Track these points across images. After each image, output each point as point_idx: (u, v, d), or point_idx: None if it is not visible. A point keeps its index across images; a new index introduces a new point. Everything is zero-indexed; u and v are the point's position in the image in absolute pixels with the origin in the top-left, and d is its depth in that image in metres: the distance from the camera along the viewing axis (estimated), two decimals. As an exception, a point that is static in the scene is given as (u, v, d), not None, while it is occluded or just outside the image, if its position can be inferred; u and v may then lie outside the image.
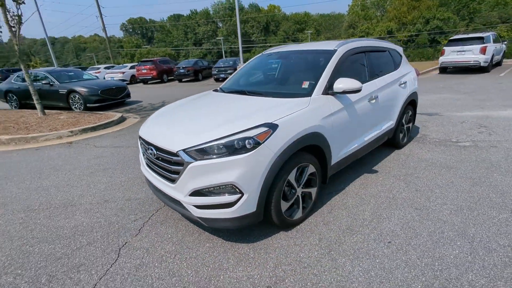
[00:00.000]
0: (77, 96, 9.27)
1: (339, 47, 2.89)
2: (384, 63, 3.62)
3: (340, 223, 2.46)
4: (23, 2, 6.88)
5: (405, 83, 3.81)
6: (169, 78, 19.22)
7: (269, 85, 3.19)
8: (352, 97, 2.79)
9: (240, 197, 1.98)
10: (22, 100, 10.30)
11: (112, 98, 9.78)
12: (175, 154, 2.04)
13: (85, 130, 6.42)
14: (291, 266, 1.99)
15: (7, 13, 6.55)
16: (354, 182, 3.18)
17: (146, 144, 2.39)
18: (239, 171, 1.93)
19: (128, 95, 10.66)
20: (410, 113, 4.16)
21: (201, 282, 1.88)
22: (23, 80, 10.07)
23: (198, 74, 18.29)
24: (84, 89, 9.20)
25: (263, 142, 1.98)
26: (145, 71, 17.32)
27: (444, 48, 11.97)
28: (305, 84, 2.64)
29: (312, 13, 54.51)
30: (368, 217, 2.51)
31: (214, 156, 1.95)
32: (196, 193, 2.02)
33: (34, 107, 8.01)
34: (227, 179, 1.93)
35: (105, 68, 20.34)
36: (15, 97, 10.42)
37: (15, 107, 10.51)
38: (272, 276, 1.91)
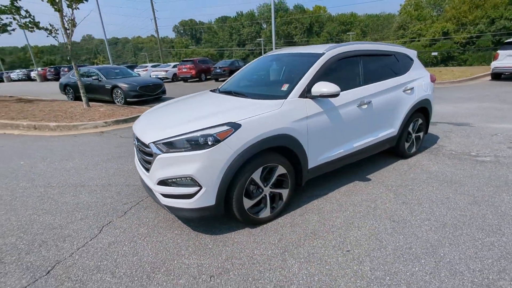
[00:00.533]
0: (119, 91, 10.29)
1: (328, 51, 2.85)
2: (386, 68, 3.44)
3: (307, 227, 2.45)
4: (77, 8, 7.88)
5: (411, 89, 3.57)
6: (207, 77, 20.11)
7: (257, 86, 3.26)
8: (336, 101, 2.74)
9: (199, 190, 2.12)
10: (77, 93, 11.73)
11: (149, 94, 10.62)
12: (147, 146, 2.25)
13: (117, 122, 7.14)
14: (241, 261, 2.07)
15: (63, 18, 7.57)
16: (340, 189, 3.11)
17: (134, 136, 2.66)
18: (198, 165, 2.07)
19: (164, 92, 11.48)
20: (421, 121, 3.87)
21: (156, 264, 2.07)
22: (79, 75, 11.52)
23: (233, 74, 18.86)
24: (125, 85, 10.17)
25: (223, 140, 2.09)
26: (185, 70, 18.39)
27: (498, 51, 10.57)
28: (285, 87, 2.67)
29: (359, 14, 52.18)
30: (338, 224, 2.46)
31: (178, 150, 2.12)
32: (162, 182, 2.21)
33: (91, 99, 9.15)
34: (187, 171, 2.09)
35: (152, 66, 22.04)
36: (71, 90, 11.90)
37: (71, 98, 12.00)
38: (219, 267, 2.01)
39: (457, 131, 5.00)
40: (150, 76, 20.02)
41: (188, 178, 2.11)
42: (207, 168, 2.08)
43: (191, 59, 19.38)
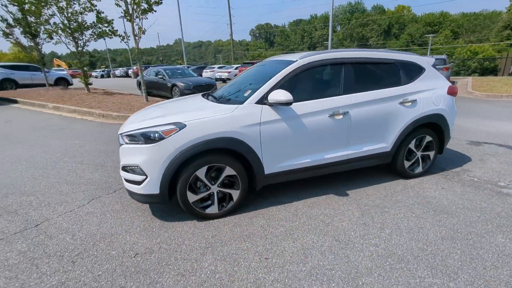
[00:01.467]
0: (176, 89, 11.61)
1: (301, 59, 2.81)
2: (379, 77, 3.13)
3: (247, 229, 2.51)
4: (146, 18, 9.26)
5: (413, 101, 3.15)
6: (266, 79, 20.71)
7: (235, 92, 3.38)
8: (299, 109, 2.69)
9: (145, 179, 2.43)
10: (148, 89, 13.73)
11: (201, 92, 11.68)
12: (119, 136, 2.69)
13: (163, 116, 8.13)
14: (169, 246, 2.29)
15: (134, 26, 9.01)
16: (308, 200, 3.01)
17: None
18: (145, 157, 2.39)
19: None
20: (429, 139, 3.37)
21: (106, 235, 2.46)
22: (152, 74, 13.46)
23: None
24: (182, 84, 11.42)
25: (167, 138, 2.36)
26: None
27: None
28: (247, 93, 2.76)
29: (452, 13, 45.18)
30: (278, 233, 2.45)
31: (134, 142, 2.48)
32: (123, 168, 2.60)
33: (156, 95, 10.69)
34: (136, 161, 2.43)
35: (218, 68, 23.83)
36: (144, 87, 13.94)
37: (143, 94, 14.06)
38: (148, 247, 2.28)
39: (501, 156, 4.11)
40: (215, 77, 21.75)
41: (137, 167, 2.45)
42: (152, 160, 2.38)
43: (251, 61, 20.25)
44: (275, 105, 2.61)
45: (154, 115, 2.74)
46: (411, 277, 1.90)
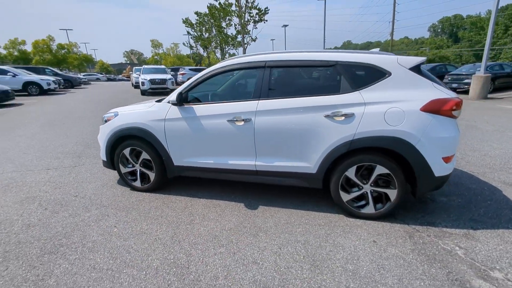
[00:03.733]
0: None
1: (224, 61, 2.89)
2: (310, 83, 2.55)
3: (118, 205, 3.03)
4: (256, 27, 10.65)
5: (349, 116, 2.37)
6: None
7: None
8: (200, 111, 2.84)
9: (101, 148, 3.47)
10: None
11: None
12: None
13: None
14: (99, 210, 3.23)
15: (244, 36, 10.61)
16: (208, 200, 3.06)
17: None
18: (100, 133, 3.43)
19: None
20: (384, 171, 2.39)
21: (63, 202, 3.72)
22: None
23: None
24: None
25: (108, 121, 3.28)
26: None
27: None
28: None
29: None
30: (130, 229, 2.82)
31: (104, 123, 3.57)
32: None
33: None
34: (99, 136, 3.51)
35: None
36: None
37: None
38: (100, 211, 3.32)
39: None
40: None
41: (99, 140, 3.52)
42: (101, 135, 3.38)
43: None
44: (178, 105, 2.92)
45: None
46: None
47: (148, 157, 3.18)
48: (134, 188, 3.39)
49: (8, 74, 15.07)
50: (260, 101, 2.69)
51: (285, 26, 41.46)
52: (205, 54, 18.00)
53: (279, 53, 2.78)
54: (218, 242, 2.32)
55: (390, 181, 2.48)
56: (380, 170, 2.44)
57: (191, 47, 17.29)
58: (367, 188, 2.55)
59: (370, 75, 2.46)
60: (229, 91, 3.07)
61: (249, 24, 10.64)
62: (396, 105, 2.34)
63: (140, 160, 3.25)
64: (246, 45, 11.48)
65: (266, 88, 2.71)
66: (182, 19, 12.66)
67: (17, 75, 15.33)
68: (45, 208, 2.95)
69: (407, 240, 2.29)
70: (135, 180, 3.36)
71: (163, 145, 3.05)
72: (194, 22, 14.70)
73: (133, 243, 2.33)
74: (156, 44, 47.61)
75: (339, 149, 2.47)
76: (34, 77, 16.36)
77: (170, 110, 2.98)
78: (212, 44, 15.26)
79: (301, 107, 2.56)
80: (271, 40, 52.16)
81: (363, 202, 2.61)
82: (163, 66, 17.74)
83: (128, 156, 3.29)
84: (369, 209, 2.57)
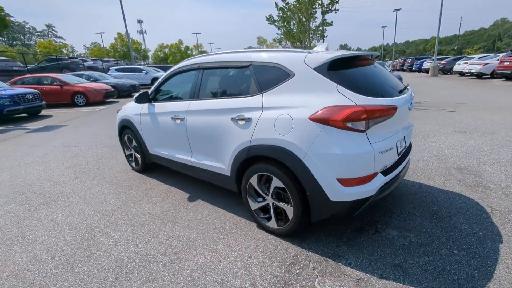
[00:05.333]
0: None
1: (177, 65, 3.18)
2: (229, 83, 2.46)
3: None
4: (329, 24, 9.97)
5: (248, 120, 2.21)
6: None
7: None
8: (157, 108, 3.25)
9: (118, 134, 4.44)
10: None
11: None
12: None
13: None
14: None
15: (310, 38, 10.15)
16: (182, 191, 3.46)
17: None
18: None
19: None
20: (280, 184, 2.12)
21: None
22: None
23: None
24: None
25: (118, 112, 4.17)
26: (508, 63, 12.56)
27: None
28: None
29: None
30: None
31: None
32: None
33: None
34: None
35: (479, 58, 17.08)
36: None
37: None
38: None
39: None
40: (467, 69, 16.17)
41: (119, 127, 4.50)
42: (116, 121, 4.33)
43: None
44: (148, 102, 3.42)
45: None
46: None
47: (135, 143, 3.87)
48: (133, 168, 4.19)
49: (143, 71, 19.80)
50: (192, 101, 2.86)
51: (397, 10, 35.75)
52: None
53: (212, 55, 2.83)
54: (136, 219, 2.71)
55: (285, 196, 2.20)
56: (276, 182, 2.19)
57: (279, 41, 17.63)
58: (270, 200, 2.33)
59: (276, 77, 2.20)
60: (180, 91, 3.31)
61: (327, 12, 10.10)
62: (288, 111, 2.04)
63: (132, 145, 3.99)
64: (320, 37, 10.92)
65: (198, 89, 2.84)
66: (266, 16, 13.10)
67: (148, 73, 19.92)
68: (74, 172, 4.13)
69: (283, 266, 2.01)
70: (132, 162, 4.16)
71: (140, 134, 3.65)
72: (276, 18, 14.86)
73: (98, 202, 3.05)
74: (261, 41, 50.80)
75: (241, 155, 2.36)
76: (160, 73, 20.84)
77: (145, 106, 3.53)
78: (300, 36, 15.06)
79: (215, 108, 2.57)
80: (382, 27, 46.24)
81: (268, 215, 2.41)
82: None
83: (127, 142, 4.09)
84: (273, 224, 2.35)
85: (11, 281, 2.01)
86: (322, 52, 2.14)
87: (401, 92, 2.29)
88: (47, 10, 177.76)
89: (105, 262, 2.16)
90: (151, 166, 4.01)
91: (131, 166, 4.20)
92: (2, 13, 25.80)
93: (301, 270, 1.97)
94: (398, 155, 2.25)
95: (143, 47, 46.55)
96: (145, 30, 39.50)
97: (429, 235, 2.25)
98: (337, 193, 1.92)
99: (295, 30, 13.68)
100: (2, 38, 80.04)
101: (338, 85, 1.93)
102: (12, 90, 8.86)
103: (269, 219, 2.40)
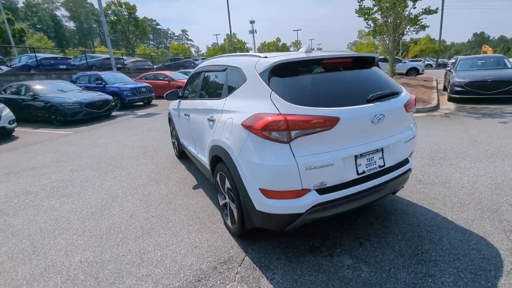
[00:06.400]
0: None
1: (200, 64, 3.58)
2: (216, 86, 2.59)
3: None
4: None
5: (213, 121, 2.34)
6: None
7: None
8: (181, 105, 3.73)
9: (172, 124, 5.30)
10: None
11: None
12: None
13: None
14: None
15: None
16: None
17: None
18: None
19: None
20: (228, 185, 2.18)
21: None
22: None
23: None
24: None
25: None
26: None
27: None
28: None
29: None
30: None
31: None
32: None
33: None
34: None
35: None
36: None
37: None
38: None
39: None
40: None
41: (173, 118, 5.35)
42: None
43: None
44: (178, 99, 3.99)
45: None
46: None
47: (174, 133, 4.56)
48: (175, 154, 4.94)
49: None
50: (193, 100, 3.19)
51: None
52: (377, 42, 15.65)
53: (212, 58, 3.06)
54: (146, 196, 3.32)
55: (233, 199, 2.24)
56: (227, 183, 2.27)
57: (374, 34, 15.70)
58: (228, 199, 2.42)
59: (237, 81, 2.25)
60: (193, 90, 3.64)
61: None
62: (233, 115, 2.08)
63: (173, 135, 4.70)
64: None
65: (199, 90, 3.14)
66: (355, 8, 11.78)
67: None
68: (138, 152, 5.22)
69: (214, 262, 2.11)
70: (175, 149, 4.89)
71: (174, 126, 4.29)
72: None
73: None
74: (362, 35, 46.34)
75: (210, 153, 2.54)
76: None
77: (178, 102, 4.12)
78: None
79: (201, 109, 2.83)
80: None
81: (229, 214, 2.50)
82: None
83: (171, 132, 4.85)
84: (229, 222, 2.44)
85: (61, 219, 2.91)
86: (276, 56, 2.04)
87: (371, 101, 1.91)
88: (183, 17, 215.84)
89: (104, 223, 2.80)
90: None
91: (175, 152, 4.96)
92: (144, 24, 33.31)
93: (226, 271, 2.03)
94: (358, 174, 1.91)
95: (247, 46, 50.62)
96: (255, 30, 42.23)
97: (387, 276, 1.84)
98: (261, 204, 1.86)
99: (389, 21, 11.91)
100: (152, 42, 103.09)
101: (272, 92, 1.84)
102: (132, 84, 11.58)
103: (227, 216, 2.50)
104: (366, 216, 2.56)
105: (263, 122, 1.75)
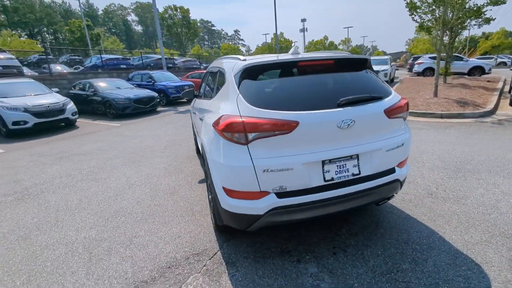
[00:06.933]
0: None
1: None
2: (210, 87, 2.72)
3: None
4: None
5: (202, 120, 2.46)
6: None
7: None
8: (195, 103, 3.96)
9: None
10: None
11: None
12: None
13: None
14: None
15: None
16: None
17: None
18: None
19: None
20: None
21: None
22: None
23: None
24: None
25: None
26: None
27: None
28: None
29: None
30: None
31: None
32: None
33: None
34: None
35: None
36: None
37: None
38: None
39: None
40: None
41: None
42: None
43: None
44: (194, 98, 4.23)
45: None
46: (113, 188, 3.73)
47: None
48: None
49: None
50: (200, 100, 3.37)
51: None
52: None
53: (215, 61, 3.16)
54: (157, 185, 3.64)
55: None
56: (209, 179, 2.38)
57: (427, 30, 14.05)
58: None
59: (222, 82, 2.33)
60: (202, 91, 3.81)
61: None
62: (210, 115, 2.17)
63: (194, 131, 4.99)
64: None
65: (204, 90, 3.31)
66: (406, 3, 10.52)
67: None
68: (165, 146, 5.67)
69: (188, 253, 2.25)
70: (194, 139, 5.19)
71: (193, 123, 4.56)
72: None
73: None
74: (418, 31, 41.77)
75: (201, 150, 2.69)
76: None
77: (195, 100, 4.37)
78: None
79: (199, 107, 3.02)
80: None
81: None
82: (386, 57, 16.36)
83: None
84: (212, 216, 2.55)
85: (84, 199, 3.39)
86: (253, 59, 2.05)
87: (341, 105, 1.81)
88: (236, 17, 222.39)
89: (114, 206, 3.17)
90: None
91: (195, 147, 5.26)
92: (196, 26, 35.17)
93: (195, 262, 2.14)
94: (326, 181, 1.83)
95: (294, 43, 50.26)
96: (306, 28, 41.62)
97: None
98: (224, 202, 1.92)
99: (436, 14, 10.52)
100: (207, 42, 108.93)
101: (239, 94, 1.88)
102: (177, 82, 12.47)
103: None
104: (353, 225, 2.42)
105: (224, 124, 1.81)
